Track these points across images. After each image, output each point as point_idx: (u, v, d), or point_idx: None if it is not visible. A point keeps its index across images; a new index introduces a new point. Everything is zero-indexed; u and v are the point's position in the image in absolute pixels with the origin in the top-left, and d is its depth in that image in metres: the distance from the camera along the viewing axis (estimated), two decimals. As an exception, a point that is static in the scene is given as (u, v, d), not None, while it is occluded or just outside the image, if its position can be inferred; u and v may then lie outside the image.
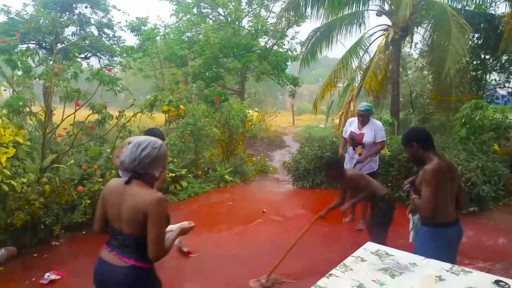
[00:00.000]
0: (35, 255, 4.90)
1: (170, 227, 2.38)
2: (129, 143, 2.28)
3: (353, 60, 11.69)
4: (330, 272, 2.52)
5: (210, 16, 18.44)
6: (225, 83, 18.06)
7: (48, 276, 4.27)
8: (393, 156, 7.02)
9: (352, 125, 5.59)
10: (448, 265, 2.64)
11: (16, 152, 4.65)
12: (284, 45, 18.62)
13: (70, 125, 6.52)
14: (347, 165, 5.51)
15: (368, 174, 5.21)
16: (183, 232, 2.45)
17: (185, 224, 2.48)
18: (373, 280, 2.41)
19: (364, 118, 5.39)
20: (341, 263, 2.64)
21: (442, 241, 3.00)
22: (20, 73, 5.96)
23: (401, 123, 11.67)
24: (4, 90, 5.50)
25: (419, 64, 14.37)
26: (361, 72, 11.81)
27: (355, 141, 5.48)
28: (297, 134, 19.17)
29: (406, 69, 14.90)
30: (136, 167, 2.20)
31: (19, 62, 5.72)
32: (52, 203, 5.17)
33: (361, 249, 2.88)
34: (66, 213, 5.44)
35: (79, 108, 6.05)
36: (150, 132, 4.55)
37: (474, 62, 11.72)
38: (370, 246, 2.94)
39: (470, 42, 10.30)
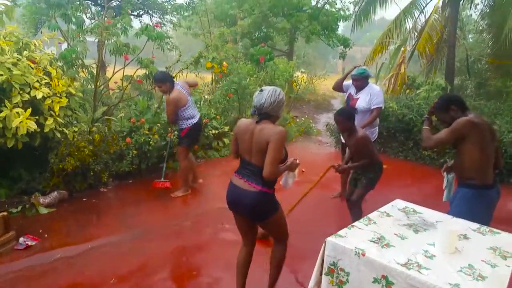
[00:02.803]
0: (84, 199, 5.26)
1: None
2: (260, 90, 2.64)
3: (407, 21, 11.13)
4: (353, 224, 2.55)
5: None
6: (274, 43, 17.76)
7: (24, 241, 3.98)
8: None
9: (352, 87, 5.13)
10: (476, 225, 2.59)
11: (68, 103, 4.92)
12: (336, 4, 17.85)
13: (121, 79, 6.79)
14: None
15: None
16: (292, 167, 2.79)
17: (294, 160, 2.80)
18: (395, 234, 2.42)
19: (358, 82, 4.95)
20: (365, 217, 2.66)
21: (482, 204, 2.95)
22: (74, 27, 6.21)
23: (455, 89, 11.08)
24: (59, 43, 5.77)
25: (478, 27, 13.39)
26: (416, 33, 11.25)
27: (349, 105, 5.07)
28: (346, 97, 18.70)
29: (465, 32, 13.95)
30: (274, 108, 2.62)
31: (72, 17, 5.96)
32: (101, 151, 5.46)
33: (388, 205, 2.87)
34: (115, 162, 5.75)
35: (128, 63, 6.26)
36: (161, 73, 5.33)
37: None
38: (398, 203, 2.93)
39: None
